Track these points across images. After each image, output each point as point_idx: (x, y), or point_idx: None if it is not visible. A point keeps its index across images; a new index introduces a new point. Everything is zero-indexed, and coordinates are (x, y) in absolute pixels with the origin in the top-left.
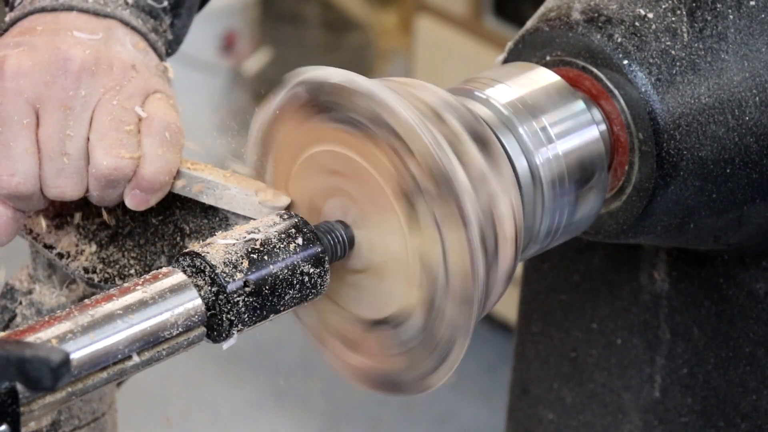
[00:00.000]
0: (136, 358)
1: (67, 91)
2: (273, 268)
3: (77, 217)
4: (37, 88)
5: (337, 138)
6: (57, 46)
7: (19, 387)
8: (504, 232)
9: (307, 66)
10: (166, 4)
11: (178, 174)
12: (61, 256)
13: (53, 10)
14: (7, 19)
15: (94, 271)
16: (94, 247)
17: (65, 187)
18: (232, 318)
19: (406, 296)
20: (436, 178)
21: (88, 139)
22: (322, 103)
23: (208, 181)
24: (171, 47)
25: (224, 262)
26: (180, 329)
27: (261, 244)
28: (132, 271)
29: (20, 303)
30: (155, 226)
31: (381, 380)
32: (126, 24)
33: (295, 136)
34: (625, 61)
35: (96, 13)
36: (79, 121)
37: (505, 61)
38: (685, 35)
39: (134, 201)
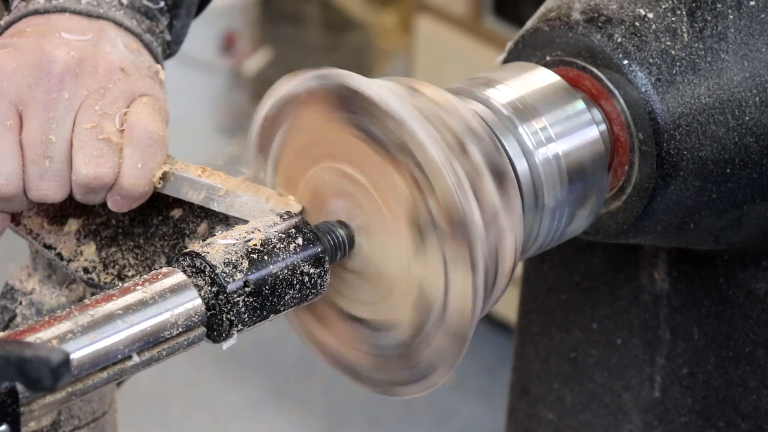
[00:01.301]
0: (136, 358)
1: (50, 93)
2: (273, 268)
3: (77, 221)
4: (20, 89)
5: (359, 145)
6: (42, 48)
7: (19, 387)
8: (504, 267)
9: (332, 68)
10: (162, 4)
11: (185, 181)
12: (61, 256)
13: (46, 12)
14: (2, 22)
15: (94, 271)
16: (93, 247)
17: (48, 190)
18: (232, 318)
19: (396, 311)
20: (453, 221)
21: (72, 142)
22: (351, 107)
23: (217, 188)
24: (170, 48)
25: (224, 262)
26: (180, 329)
27: (261, 244)
28: (132, 272)
29: (20, 303)
30: (155, 226)
31: (343, 365)
32: (119, 25)
33: (316, 123)
34: (625, 61)
35: (88, 15)
36: (62, 124)
37: (505, 61)
38: (685, 35)
39: (115, 205)
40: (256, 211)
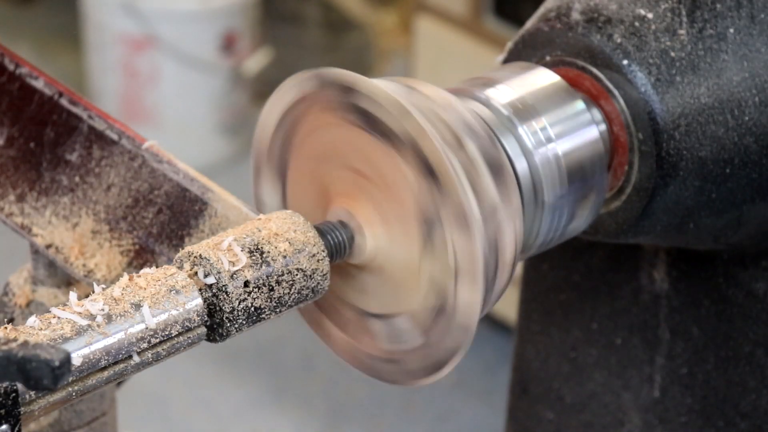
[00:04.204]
0: (136, 358)
1: None
2: (273, 268)
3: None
4: None
5: (363, 141)
6: None
7: (20, 387)
8: (504, 259)
9: (326, 67)
10: None
11: None
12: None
13: None
14: None
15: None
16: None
17: None
18: (232, 318)
19: (407, 305)
20: (455, 212)
21: None
22: (350, 104)
23: None
24: None
25: (224, 262)
26: (180, 329)
27: (262, 244)
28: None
29: (20, 303)
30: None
31: (360, 361)
32: None
33: (317, 124)
34: (625, 61)
35: None
36: None
37: (505, 61)
38: (685, 35)
39: None
40: None
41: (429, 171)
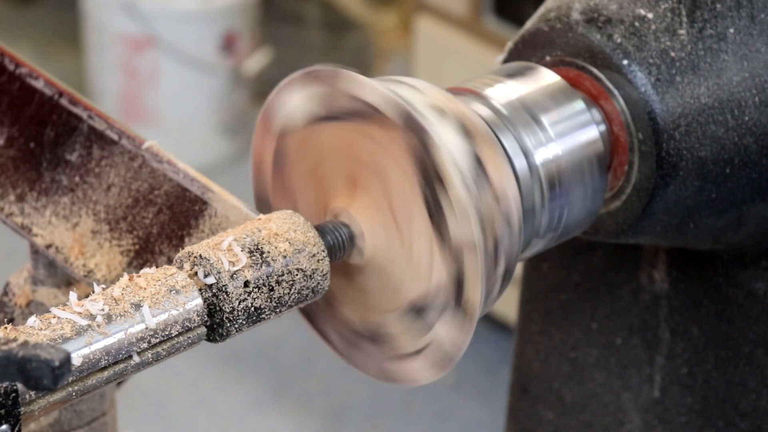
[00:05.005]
0: (136, 358)
1: None
2: (273, 268)
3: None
4: None
5: (358, 136)
6: None
7: (20, 387)
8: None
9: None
10: None
11: None
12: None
13: None
14: None
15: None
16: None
17: None
18: (232, 318)
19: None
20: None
21: None
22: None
23: None
24: None
25: (224, 262)
26: (180, 329)
27: (262, 244)
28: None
29: (20, 303)
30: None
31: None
32: None
33: (314, 124)
34: (625, 61)
35: None
36: None
37: (505, 61)
38: (685, 35)
39: None
40: None
41: (430, 170)
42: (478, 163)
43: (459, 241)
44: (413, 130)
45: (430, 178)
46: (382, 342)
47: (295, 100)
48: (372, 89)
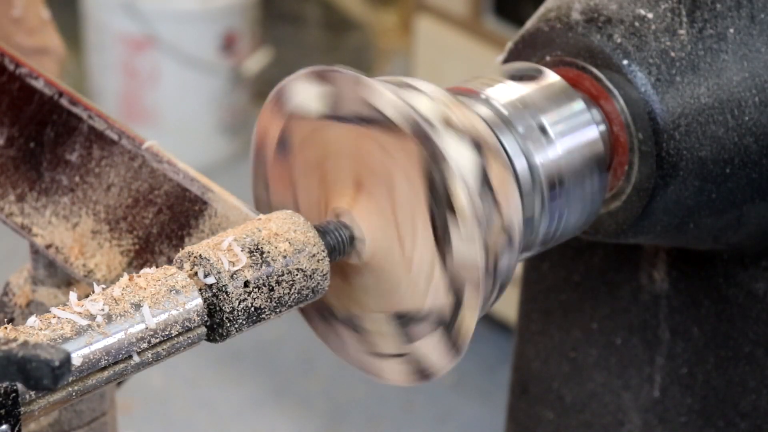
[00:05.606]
0: (136, 358)
1: None
2: (273, 268)
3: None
4: None
5: (367, 140)
6: None
7: (20, 387)
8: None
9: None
10: None
11: None
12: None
13: None
14: None
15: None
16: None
17: None
18: (232, 318)
19: (416, 300)
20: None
21: None
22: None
23: None
24: None
25: (224, 262)
26: (180, 329)
27: (262, 244)
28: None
29: (20, 303)
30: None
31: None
32: None
33: (314, 125)
34: (625, 61)
35: None
36: None
37: (505, 61)
38: (685, 35)
39: None
40: None
41: (439, 186)
42: (486, 180)
43: (461, 259)
44: (425, 145)
45: (438, 195)
46: (360, 333)
47: (308, 93)
48: (388, 100)
